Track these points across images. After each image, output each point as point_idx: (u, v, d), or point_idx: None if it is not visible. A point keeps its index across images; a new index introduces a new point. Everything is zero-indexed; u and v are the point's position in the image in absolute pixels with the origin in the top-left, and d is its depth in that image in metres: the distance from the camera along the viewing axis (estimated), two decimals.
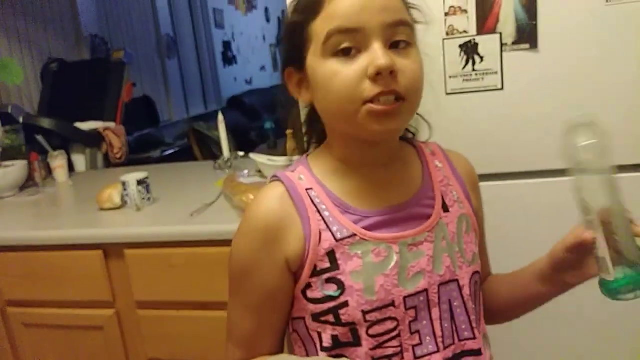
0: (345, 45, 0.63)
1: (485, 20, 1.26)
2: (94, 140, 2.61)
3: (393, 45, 0.64)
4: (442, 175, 0.77)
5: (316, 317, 0.70)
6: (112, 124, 2.75)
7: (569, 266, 0.69)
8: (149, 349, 1.51)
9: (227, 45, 6.43)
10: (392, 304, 0.68)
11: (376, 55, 0.62)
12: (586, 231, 0.64)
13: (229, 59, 6.44)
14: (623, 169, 1.27)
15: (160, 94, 4.94)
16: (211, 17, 6.05)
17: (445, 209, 0.73)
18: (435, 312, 0.70)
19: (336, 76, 0.64)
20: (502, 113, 1.30)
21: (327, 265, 0.68)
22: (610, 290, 0.63)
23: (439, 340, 0.70)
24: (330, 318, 0.68)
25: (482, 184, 1.31)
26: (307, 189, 0.71)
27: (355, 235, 0.68)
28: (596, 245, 0.64)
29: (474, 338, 0.72)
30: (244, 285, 0.73)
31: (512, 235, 1.35)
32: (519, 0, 1.23)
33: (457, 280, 0.71)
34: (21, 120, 2.46)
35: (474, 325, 0.73)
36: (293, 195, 0.70)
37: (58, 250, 1.51)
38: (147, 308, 1.49)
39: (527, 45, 1.25)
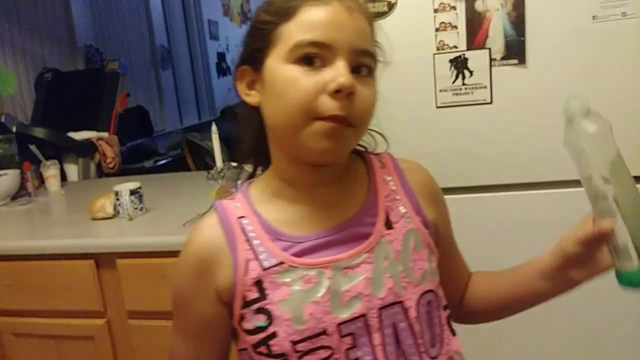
0: (310, 53, 0.62)
1: (475, 36, 1.29)
2: (87, 150, 2.61)
3: (355, 70, 0.64)
4: (388, 190, 0.73)
5: (254, 348, 0.68)
6: (105, 134, 2.75)
7: (577, 262, 0.66)
8: (139, 359, 1.51)
9: (221, 56, 6.46)
10: (324, 332, 0.64)
11: (340, 72, 0.61)
12: (602, 220, 0.61)
13: (224, 70, 6.47)
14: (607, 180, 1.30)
15: (154, 104, 4.95)
16: (206, 29, 6.08)
17: (389, 226, 0.70)
18: (376, 338, 0.66)
19: (295, 83, 0.63)
20: (491, 126, 1.32)
21: (256, 295, 0.66)
22: (635, 281, 0.59)
23: None
24: (264, 349, 0.67)
25: (471, 196, 1.34)
26: (239, 217, 0.70)
27: (283, 263, 0.66)
28: (615, 234, 0.60)
29: None
30: (181, 312, 0.74)
31: (499, 244, 1.37)
32: (508, 16, 1.26)
33: (401, 302, 0.67)
34: (14, 129, 2.46)
35: (422, 349, 0.68)
36: (224, 225, 0.70)
37: (49, 260, 1.51)
38: (138, 318, 1.49)
39: (515, 61, 1.28)
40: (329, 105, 0.61)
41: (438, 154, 1.35)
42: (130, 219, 1.62)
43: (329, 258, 0.66)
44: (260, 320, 0.66)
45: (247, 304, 0.67)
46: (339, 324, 0.65)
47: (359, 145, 0.79)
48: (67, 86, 3.01)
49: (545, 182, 1.33)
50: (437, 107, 1.33)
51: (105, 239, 1.51)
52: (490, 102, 1.31)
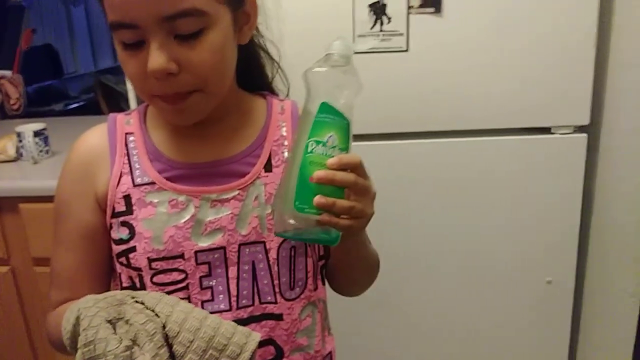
0: (126, 39, 0.60)
1: None
2: None
3: (185, 35, 0.59)
4: (279, 135, 0.73)
5: (117, 257, 0.71)
6: (8, 73, 2.55)
7: None
8: (46, 306, 1.46)
9: None
10: (182, 256, 0.67)
11: (150, 56, 0.58)
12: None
13: None
14: (514, 132, 1.37)
15: (65, 44, 4.62)
16: None
17: (269, 169, 0.71)
18: (232, 271, 0.69)
19: (125, 67, 0.62)
20: (407, 74, 1.34)
21: (123, 208, 0.69)
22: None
23: (233, 299, 0.69)
24: (124, 260, 0.70)
25: (382, 143, 1.37)
26: (127, 133, 0.72)
27: (154, 183, 0.68)
28: None
29: (275, 302, 0.71)
30: (62, 220, 0.74)
31: (408, 192, 1.42)
32: None
33: (263, 243, 0.70)
34: None
35: (277, 290, 0.71)
36: (110, 136, 0.72)
37: None
38: (44, 265, 1.44)
39: (432, 9, 1.30)
40: (155, 87, 0.61)
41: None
42: (35, 162, 1.54)
43: (200, 188, 0.68)
44: (123, 233, 0.69)
45: (115, 214, 0.69)
46: (197, 252, 0.68)
47: (267, 87, 0.80)
48: None
49: (457, 131, 1.38)
50: (355, 53, 1.33)
51: (7, 182, 1.43)
52: (406, 50, 1.32)
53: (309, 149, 0.58)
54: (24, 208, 1.40)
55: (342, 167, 0.58)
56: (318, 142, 0.58)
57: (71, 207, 0.72)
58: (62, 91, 3.78)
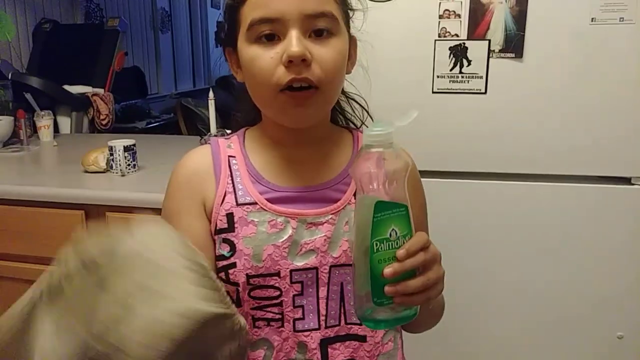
0: (266, 32, 0.67)
1: (477, 26, 1.32)
2: (82, 104, 2.61)
3: (316, 33, 0.67)
4: None
5: (216, 273, 0.74)
6: (100, 91, 2.75)
7: None
8: None
9: (221, 25, 6.40)
10: (278, 274, 0.71)
11: (290, 43, 0.65)
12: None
13: (222, 40, 6.41)
14: (592, 180, 1.35)
15: (151, 67, 4.92)
16: None
17: None
18: (322, 291, 0.73)
19: (256, 61, 0.68)
20: (483, 116, 1.36)
21: (225, 226, 0.72)
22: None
23: (322, 318, 0.73)
24: (222, 275, 0.72)
25: (457, 181, 1.38)
26: (230, 156, 0.77)
27: (256, 203, 0.72)
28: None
29: (360, 324, 0.74)
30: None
31: (482, 235, 1.42)
32: (510, 10, 1.30)
33: (353, 265, 0.70)
34: (10, 76, 2.45)
35: None
36: (214, 157, 0.77)
37: (40, 207, 1.53)
38: None
39: (512, 54, 1.32)
40: (285, 74, 0.66)
41: (429, 137, 1.39)
42: (122, 175, 1.65)
43: (297, 210, 0.73)
44: (225, 250, 0.72)
45: (217, 231, 0.73)
46: (292, 270, 0.71)
47: (352, 123, 0.86)
48: (66, 39, 2.99)
49: (533, 175, 1.38)
50: (433, 92, 1.37)
51: (97, 191, 1.53)
52: (485, 92, 1.34)
53: (375, 250, 0.59)
54: (110, 216, 1.49)
55: (411, 256, 0.59)
56: (382, 241, 0.59)
57: (181, 216, 0.76)
58: (145, 110, 4.01)
